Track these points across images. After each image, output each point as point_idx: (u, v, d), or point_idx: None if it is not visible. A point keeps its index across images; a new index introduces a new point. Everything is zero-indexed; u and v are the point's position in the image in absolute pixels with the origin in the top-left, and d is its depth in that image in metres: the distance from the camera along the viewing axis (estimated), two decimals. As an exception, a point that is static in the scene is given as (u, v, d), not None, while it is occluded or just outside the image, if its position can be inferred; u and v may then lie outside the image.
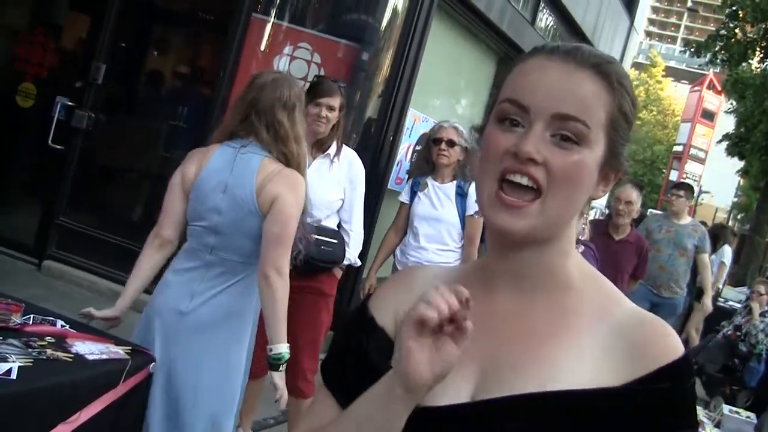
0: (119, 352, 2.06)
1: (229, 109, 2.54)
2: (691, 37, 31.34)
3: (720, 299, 8.28)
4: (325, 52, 4.73)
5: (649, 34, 73.32)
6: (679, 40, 67.28)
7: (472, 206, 3.68)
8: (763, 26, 14.36)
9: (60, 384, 1.81)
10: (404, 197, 3.91)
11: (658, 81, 44.04)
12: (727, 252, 8.07)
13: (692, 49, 15.33)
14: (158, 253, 2.36)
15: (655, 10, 73.15)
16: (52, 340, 1.98)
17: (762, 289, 6.25)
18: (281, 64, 4.70)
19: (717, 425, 3.72)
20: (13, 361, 1.74)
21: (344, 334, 0.98)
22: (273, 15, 4.83)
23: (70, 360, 1.91)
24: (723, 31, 15.09)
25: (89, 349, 1.99)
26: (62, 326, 2.11)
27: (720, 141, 18.52)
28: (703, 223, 7.06)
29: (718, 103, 27.01)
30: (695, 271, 5.89)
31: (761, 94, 14.75)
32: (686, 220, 5.80)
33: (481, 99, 6.78)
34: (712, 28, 19.28)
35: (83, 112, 4.97)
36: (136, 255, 2.40)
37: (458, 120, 4.21)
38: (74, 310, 2.32)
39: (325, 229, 3.17)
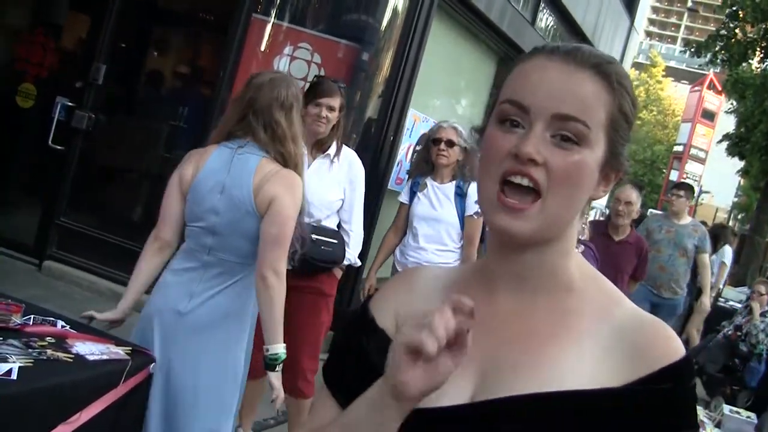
0: (119, 352, 2.06)
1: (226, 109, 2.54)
2: (692, 37, 31.33)
3: (720, 299, 8.28)
4: (325, 53, 4.73)
5: (649, 34, 73.33)
6: (679, 40, 67.29)
7: (471, 206, 3.68)
8: (763, 26, 14.36)
9: (60, 384, 1.81)
10: (404, 197, 3.91)
11: (659, 81, 44.05)
12: (727, 252, 8.07)
13: (692, 49, 15.33)
14: (158, 256, 2.36)
15: (655, 10, 73.15)
16: (53, 341, 1.98)
17: (762, 289, 6.25)
18: (281, 64, 4.70)
19: (717, 425, 3.72)
20: (14, 362, 1.74)
21: (344, 334, 0.98)
22: (273, 15, 4.83)
23: (71, 360, 1.91)
24: (723, 31, 15.09)
25: (89, 349, 1.99)
26: (62, 327, 2.11)
27: (720, 141, 18.52)
28: (704, 223, 7.06)
29: (718, 103, 27.02)
30: (695, 271, 5.89)
31: (761, 94, 14.75)
32: (686, 220, 5.80)
33: (482, 99, 6.78)
34: (712, 28, 19.28)
35: (83, 112, 4.97)
36: (136, 255, 2.40)
37: (458, 120, 4.21)
38: (74, 311, 2.32)
39: (325, 229, 3.17)
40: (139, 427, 2.18)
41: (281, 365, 2.33)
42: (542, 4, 7.09)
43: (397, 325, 0.82)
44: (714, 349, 5.93)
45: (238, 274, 2.30)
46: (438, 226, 3.72)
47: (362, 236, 3.43)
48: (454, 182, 3.73)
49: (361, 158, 3.37)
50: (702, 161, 28.47)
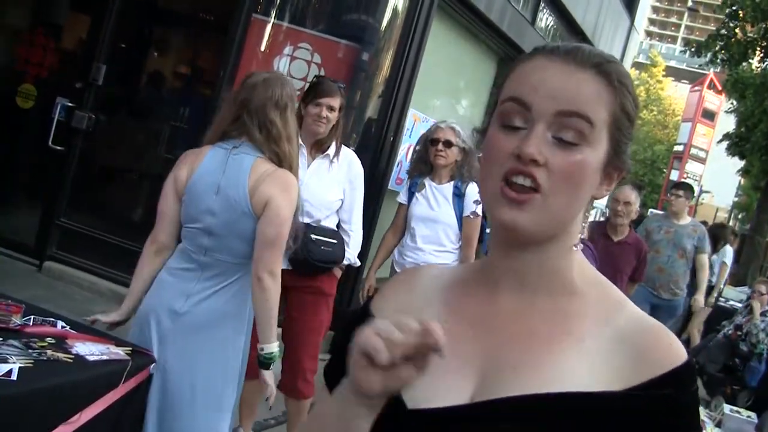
0: (119, 353, 2.06)
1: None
2: (692, 37, 31.29)
3: (721, 299, 8.28)
4: (325, 53, 4.73)
5: (649, 33, 73.31)
6: (679, 40, 67.25)
7: (469, 207, 3.67)
8: (763, 26, 14.36)
9: (60, 385, 1.81)
10: (402, 198, 3.90)
11: (659, 81, 44.02)
12: (728, 252, 8.07)
13: (692, 49, 15.33)
14: (156, 258, 2.36)
15: (655, 9, 73.15)
16: (53, 341, 1.98)
17: (763, 288, 6.25)
18: (281, 64, 4.70)
19: (718, 425, 3.72)
20: (14, 362, 1.75)
21: (345, 335, 0.98)
22: (273, 15, 4.83)
23: (71, 361, 1.91)
24: (723, 31, 15.09)
25: (89, 350, 1.99)
26: (62, 327, 2.11)
27: (720, 141, 18.52)
28: (704, 223, 7.06)
29: (718, 102, 27.00)
30: (695, 271, 5.88)
31: (761, 93, 14.76)
32: (686, 220, 5.79)
33: (482, 99, 6.78)
34: (712, 27, 19.27)
35: (83, 112, 4.97)
36: (137, 255, 2.41)
37: (458, 120, 4.21)
38: (75, 311, 2.33)
39: (325, 229, 3.17)
40: (139, 427, 2.18)
41: (274, 364, 2.33)
42: (542, 4, 7.09)
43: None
44: (714, 348, 5.93)
45: (235, 275, 2.30)
46: (436, 226, 3.71)
47: (362, 236, 3.43)
48: (452, 183, 3.72)
49: (361, 158, 3.37)
50: (702, 161, 28.45)
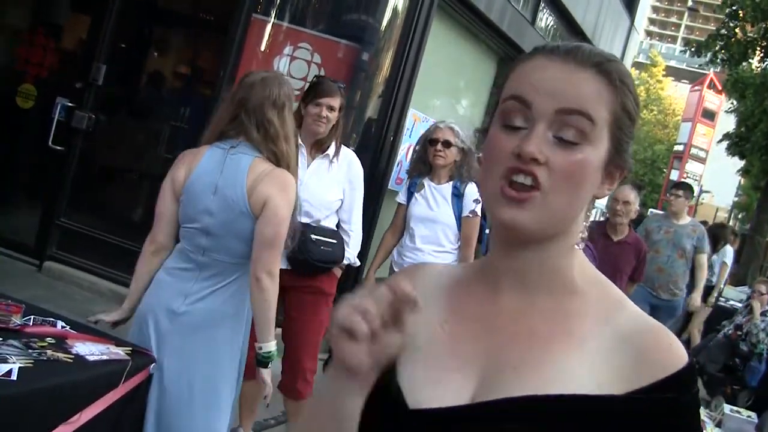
0: (119, 353, 2.06)
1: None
2: (692, 37, 31.27)
3: (721, 299, 8.28)
4: (325, 53, 4.73)
5: (649, 33, 73.30)
6: (679, 40, 67.22)
7: (468, 207, 3.66)
8: (763, 26, 14.36)
9: (60, 385, 1.81)
10: (401, 198, 3.90)
11: (659, 80, 44.01)
12: (728, 252, 8.07)
13: (692, 49, 15.34)
14: (155, 258, 2.36)
15: (655, 9, 73.13)
16: (53, 341, 1.98)
17: (763, 288, 6.25)
18: (281, 64, 4.70)
19: (718, 425, 3.72)
20: (14, 362, 1.75)
21: None
22: (273, 15, 4.83)
23: (71, 361, 1.91)
24: (723, 31, 15.10)
25: (89, 350, 2.00)
26: (62, 327, 2.11)
27: (720, 140, 18.52)
28: (704, 223, 7.05)
29: (718, 102, 26.99)
30: (694, 271, 5.88)
31: (761, 93, 14.76)
32: (686, 220, 5.79)
33: (482, 99, 6.78)
34: (712, 27, 19.27)
35: (83, 112, 4.97)
36: (137, 255, 2.41)
37: (458, 120, 4.20)
38: (75, 311, 2.33)
39: (325, 229, 3.17)
40: (139, 427, 2.18)
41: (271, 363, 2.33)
42: (542, 4, 7.09)
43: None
44: (714, 348, 5.93)
45: (233, 275, 2.30)
46: (435, 227, 3.70)
47: (361, 236, 3.43)
48: (451, 183, 3.72)
49: (361, 158, 3.37)
50: (702, 161, 28.43)
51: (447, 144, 3.66)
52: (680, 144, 28.83)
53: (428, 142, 3.73)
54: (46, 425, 1.72)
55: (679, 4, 74.24)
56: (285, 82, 2.40)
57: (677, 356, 0.78)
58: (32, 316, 2.08)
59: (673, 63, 57.64)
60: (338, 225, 3.28)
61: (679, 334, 5.86)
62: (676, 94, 43.26)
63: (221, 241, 2.27)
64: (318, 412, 0.84)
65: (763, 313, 5.96)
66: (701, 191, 28.01)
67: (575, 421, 0.76)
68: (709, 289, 7.33)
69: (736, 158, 17.99)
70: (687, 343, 6.73)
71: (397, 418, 0.82)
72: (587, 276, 0.88)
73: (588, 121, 0.81)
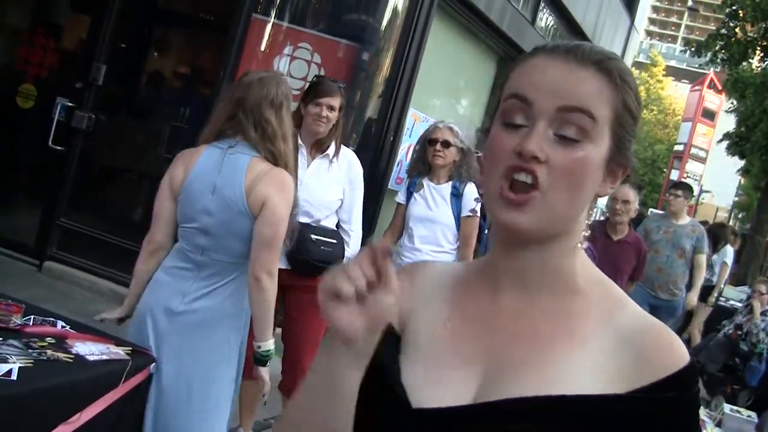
0: (119, 352, 2.06)
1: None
2: (692, 37, 31.26)
3: (721, 299, 8.28)
4: (325, 52, 4.73)
5: (649, 33, 73.29)
6: (679, 40, 67.18)
7: (467, 207, 3.66)
8: (763, 25, 14.37)
9: (60, 385, 1.81)
10: (400, 198, 3.90)
11: (659, 80, 44.01)
12: (729, 252, 8.06)
13: (693, 49, 15.34)
14: (153, 258, 2.36)
15: (655, 9, 73.11)
16: (53, 341, 1.98)
17: (763, 288, 6.25)
18: (281, 64, 4.70)
19: (718, 424, 3.72)
20: (14, 362, 1.75)
21: None
22: (273, 15, 4.83)
23: (71, 361, 1.91)
24: (723, 31, 15.11)
25: (89, 349, 2.00)
26: (62, 327, 2.11)
27: (721, 140, 18.53)
28: (705, 223, 7.04)
29: (718, 102, 26.99)
30: (693, 271, 5.87)
31: (761, 93, 14.77)
32: (685, 220, 5.78)
33: (482, 99, 6.78)
34: (712, 27, 19.27)
35: (83, 112, 4.97)
36: (137, 255, 2.41)
37: (458, 120, 4.21)
38: (75, 311, 2.33)
39: (325, 229, 3.17)
40: (139, 427, 2.18)
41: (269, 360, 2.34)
42: (542, 4, 7.09)
43: (400, 317, 0.86)
44: (714, 348, 5.93)
45: (231, 274, 2.30)
46: (433, 227, 3.69)
47: (362, 236, 3.43)
48: (450, 183, 3.71)
49: (361, 158, 3.37)
50: (702, 160, 28.44)
51: (446, 144, 3.66)
52: (680, 144, 28.83)
53: (427, 142, 3.73)
54: (46, 425, 1.72)
55: (679, 4, 74.22)
56: (283, 81, 2.40)
57: (679, 355, 0.79)
58: (32, 316, 2.08)
59: (673, 63, 57.64)
60: (338, 225, 3.28)
61: (679, 334, 5.84)
62: (676, 94, 43.27)
63: (220, 241, 2.27)
64: (313, 388, 0.83)
65: (763, 313, 5.96)
66: (701, 191, 28.01)
67: (578, 421, 0.76)
68: (709, 289, 7.33)
69: (736, 158, 18.00)
70: (687, 343, 6.72)
71: (399, 418, 0.82)
72: (589, 275, 0.88)
73: (589, 119, 0.81)
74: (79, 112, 4.96)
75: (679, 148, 28.87)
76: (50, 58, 5.50)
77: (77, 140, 5.05)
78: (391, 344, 0.87)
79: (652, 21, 74.23)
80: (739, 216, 32.60)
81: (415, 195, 3.76)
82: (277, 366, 2.99)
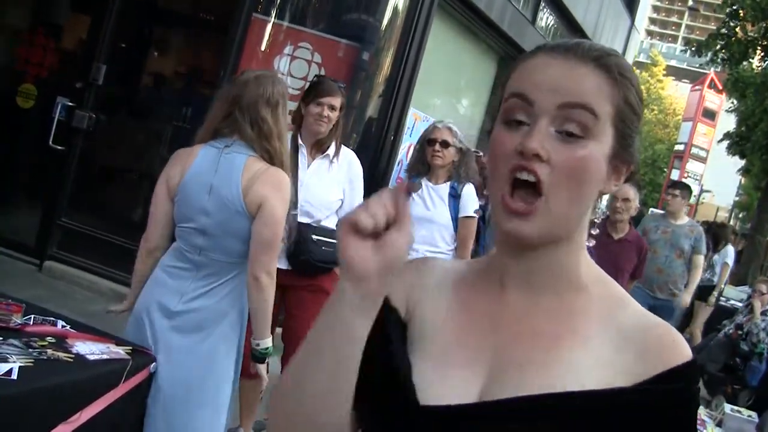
0: (120, 352, 2.06)
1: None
2: (692, 37, 31.23)
3: (722, 298, 8.27)
4: (325, 52, 4.73)
5: (650, 33, 73.28)
6: (680, 40, 67.15)
7: (465, 208, 3.65)
8: (764, 25, 14.36)
9: (60, 384, 1.81)
10: (399, 197, 3.88)
11: (659, 80, 43.98)
12: (730, 252, 8.05)
13: (693, 48, 15.33)
14: (150, 257, 2.36)
15: (656, 9, 73.11)
16: (53, 341, 1.98)
17: (763, 288, 6.25)
18: (281, 64, 4.71)
19: (718, 424, 3.71)
20: (14, 362, 1.75)
21: None
22: (273, 15, 4.83)
23: (71, 360, 1.91)
24: (724, 30, 15.09)
25: (90, 349, 2.00)
26: (63, 326, 2.11)
27: (721, 140, 18.51)
28: (705, 223, 7.03)
29: (719, 102, 26.97)
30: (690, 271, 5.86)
31: (762, 92, 14.76)
32: (683, 220, 5.77)
33: (482, 98, 6.78)
34: (712, 27, 19.26)
35: (84, 112, 4.97)
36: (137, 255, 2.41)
37: (459, 119, 4.20)
38: (75, 311, 2.33)
39: (325, 229, 3.17)
40: (140, 426, 2.18)
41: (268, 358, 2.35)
42: (542, 4, 7.09)
43: (407, 306, 0.87)
44: (715, 348, 5.93)
45: (229, 274, 2.30)
46: (431, 227, 3.68)
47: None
48: (448, 183, 3.70)
49: (361, 158, 3.37)
50: (703, 160, 28.42)
51: (445, 144, 3.65)
52: (681, 143, 28.80)
53: (426, 142, 3.73)
54: (46, 424, 1.72)
55: (679, 4, 74.20)
56: (279, 80, 2.40)
57: (681, 353, 0.79)
58: (32, 316, 2.08)
59: (673, 62, 57.60)
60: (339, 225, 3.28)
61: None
62: (677, 94, 43.24)
63: (218, 241, 2.27)
64: (318, 339, 0.79)
65: (763, 313, 5.96)
66: (702, 191, 28.00)
67: (584, 417, 0.77)
68: (710, 289, 7.32)
69: (736, 158, 17.98)
70: (688, 342, 6.71)
71: (407, 414, 0.82)
72: (591, 274, 0.88)
73: (591, 115, 0.80)
74: (79, 112, 4.97)
75: (679, 147, 28.85)
76: (50, 58, 5.50)
77: (77, 140, 5.05)
78: (398, 328, 0.87)
79: (652, 21, 74.22)
80: (740, 216, 32.60)
81: (414, 195, 3.75)
82: (277, 366, 2.99)
